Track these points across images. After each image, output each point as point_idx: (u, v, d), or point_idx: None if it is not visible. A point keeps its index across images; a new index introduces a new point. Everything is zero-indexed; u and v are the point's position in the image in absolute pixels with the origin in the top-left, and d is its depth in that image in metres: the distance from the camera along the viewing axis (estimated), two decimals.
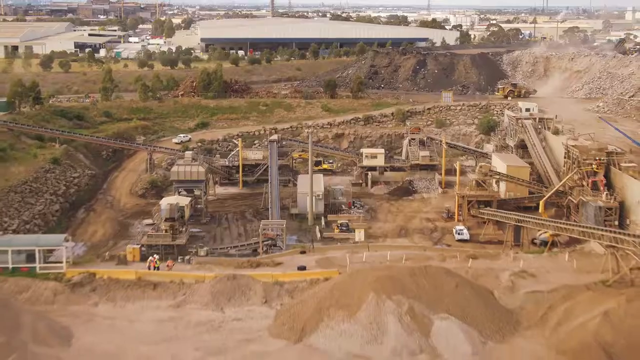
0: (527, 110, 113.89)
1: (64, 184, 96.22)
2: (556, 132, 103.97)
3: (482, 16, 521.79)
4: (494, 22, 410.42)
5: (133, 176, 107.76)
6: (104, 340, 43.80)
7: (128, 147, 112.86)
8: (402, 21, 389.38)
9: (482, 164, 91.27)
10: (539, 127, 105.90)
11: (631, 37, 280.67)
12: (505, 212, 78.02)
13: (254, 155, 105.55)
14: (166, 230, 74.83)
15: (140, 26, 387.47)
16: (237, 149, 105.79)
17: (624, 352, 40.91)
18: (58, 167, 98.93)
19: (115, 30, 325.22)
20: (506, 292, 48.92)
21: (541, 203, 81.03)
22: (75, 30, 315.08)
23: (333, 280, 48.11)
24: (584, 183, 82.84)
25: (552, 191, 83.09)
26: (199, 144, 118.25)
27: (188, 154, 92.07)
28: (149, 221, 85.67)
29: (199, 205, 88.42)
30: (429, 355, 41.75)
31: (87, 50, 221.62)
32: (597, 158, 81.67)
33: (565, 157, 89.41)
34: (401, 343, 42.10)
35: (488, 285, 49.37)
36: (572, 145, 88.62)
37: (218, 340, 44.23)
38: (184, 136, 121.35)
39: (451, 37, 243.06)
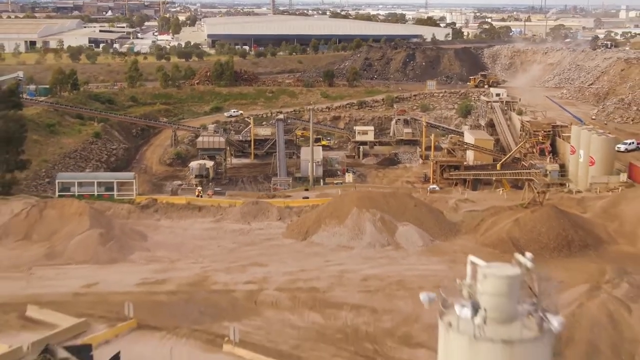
0: (497, 95, 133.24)
1: (105, 153, 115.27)
2: (520, 113, 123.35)
3: (477, 14, 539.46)
4: (489, 20, 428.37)
5: (160, 150, 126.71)
6: (168, 238, 62.87)
7: (156, 125, 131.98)
8: (400, 19, 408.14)
9: (452, 135, 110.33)
10: (506, 108, 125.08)
11: (612, 34, 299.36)
12: (466, 171, 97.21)
13: (264, 131, 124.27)
14: (196, 185, 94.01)
15: (146, 23, 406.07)
16: (249, 126, 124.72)
17: (526, 243, 59.73)
18: (99, 140, 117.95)
19: (124, 27, 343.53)
20: (451, 211, 68.01)
21: (498, 165, 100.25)
22: (85, 27, 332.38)
23: (328, 201, 67.31)
24: (534, 150, 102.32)
25: (507, 156, 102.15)
26: (214, 123, 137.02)
27: (211, 127, 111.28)
28: (179, 182, 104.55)
29: (219, 170, 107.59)
30: (393, 246, 60.74)
31: (101, 45, 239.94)
32: (543, 130, 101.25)
33: (521, 131, 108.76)
34: (374, 239, 61.15)
35: (439, 207, 68.39)
36: (527, 121, 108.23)
37: (248, 239, 63.36)
38: (234, 111, 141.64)
39: (441, 34, 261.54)
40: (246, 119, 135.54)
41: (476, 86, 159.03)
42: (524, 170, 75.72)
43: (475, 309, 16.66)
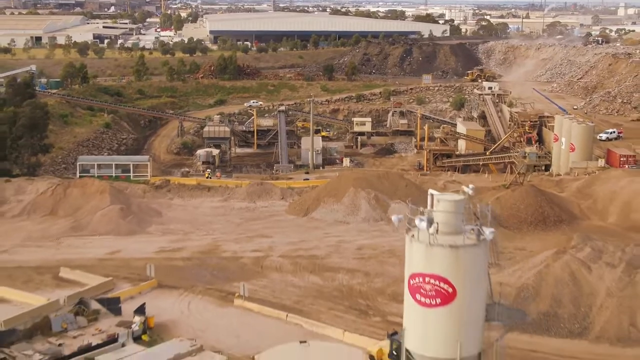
0: (490, 88, 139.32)
1: (116, 142, 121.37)
2: (510, 105, 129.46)
3: (476, 11, 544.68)
4: (488, 17, 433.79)
5: (167, 140, 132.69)
6: (181, 215, 69.09)
7: (163, 116, 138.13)
8: (399, 16, 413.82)
9: (444, 125, 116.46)
10: (497, 101, 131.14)
11: (606, 31, 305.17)
12: (457, 158, 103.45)
13: (266, 122, 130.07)
14: (203, 171, 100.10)
15: (148, 19, 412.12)
16: (252, 117, 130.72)
17: (505, 219, 65.99)
18: (110, 130, 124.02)
19: (127, 23, 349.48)
20: (440, 191, 74.19)
21: (488, 152, 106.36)
22: (88, 23, 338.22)
23: (327, 181, 73.57)
24: (521, 139, 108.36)
25: (496, 145, 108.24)
26: (218, 115, 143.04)
27: (216, 117, 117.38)
28: (186, 169, 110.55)
29: (224, 158, 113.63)
30: (386, 221, 66.66)
31: (105, 41, 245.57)
32: (530, 121, 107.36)
33: (510, 121, 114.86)
34: (369, 215, 67.36)
35: (428, 187, 74.49)
36: (515, 112, 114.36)
37: (253, 215, 69.59)
38: (254, 102, 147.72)
39: (438, 30, 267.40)
40: (249, 110, 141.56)
41: (473, 80, 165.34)
42: (505, 154, 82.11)
43: (430, 222, 22.80)
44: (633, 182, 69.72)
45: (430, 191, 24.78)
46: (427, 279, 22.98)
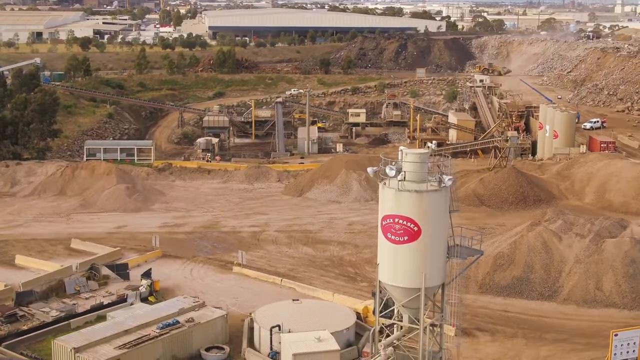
0: (481, 81, 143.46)
1: (118, 132, 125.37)
2: (501, 97, 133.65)
3: (474, 8, 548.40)
4: (485, 14, 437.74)
5: (167, 130, 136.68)
6: (183, 195, 73.36)
7: (164, 107, 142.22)
8: (397, 13, 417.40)
9: (435, 115, 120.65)
10: (488, 93, 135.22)
11: (600, 27, 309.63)
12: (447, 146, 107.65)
13: (264, 113, 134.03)
14: (203, 158, 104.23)
15: (147, 16, 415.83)
16: (250, 108, 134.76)
17: (488, 198, 70.26)
18: (112, 120, 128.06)
19: (126, 19, 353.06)
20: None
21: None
22: (88, 19, 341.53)
23: (320, 164, 77.82)
24: (510, 129, 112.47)
25: (485, 134, 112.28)
26: (217, 105, 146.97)
27: (215, 108, 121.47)
28: (187, 155, 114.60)
29: (224, 146, 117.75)
30: (376, 201, 70.45)
31: (106, 37, 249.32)
32: (517, 111, 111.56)
33: (498, 112, 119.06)
34: (360, 195, 71.60)
35: None
36: (504, 103, 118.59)
37: (251, 195, 73.88)
38: (294, 90, 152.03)
39: (434, 26, 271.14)
40: (248, 102, 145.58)
41: (481, 73, 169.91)
42: (489, 140, 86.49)
43: (399, 171, 27.04)
44: (609, 164, 74.07)
45: (401, 147, 28.98)
46: (396, 220, 27.22)
